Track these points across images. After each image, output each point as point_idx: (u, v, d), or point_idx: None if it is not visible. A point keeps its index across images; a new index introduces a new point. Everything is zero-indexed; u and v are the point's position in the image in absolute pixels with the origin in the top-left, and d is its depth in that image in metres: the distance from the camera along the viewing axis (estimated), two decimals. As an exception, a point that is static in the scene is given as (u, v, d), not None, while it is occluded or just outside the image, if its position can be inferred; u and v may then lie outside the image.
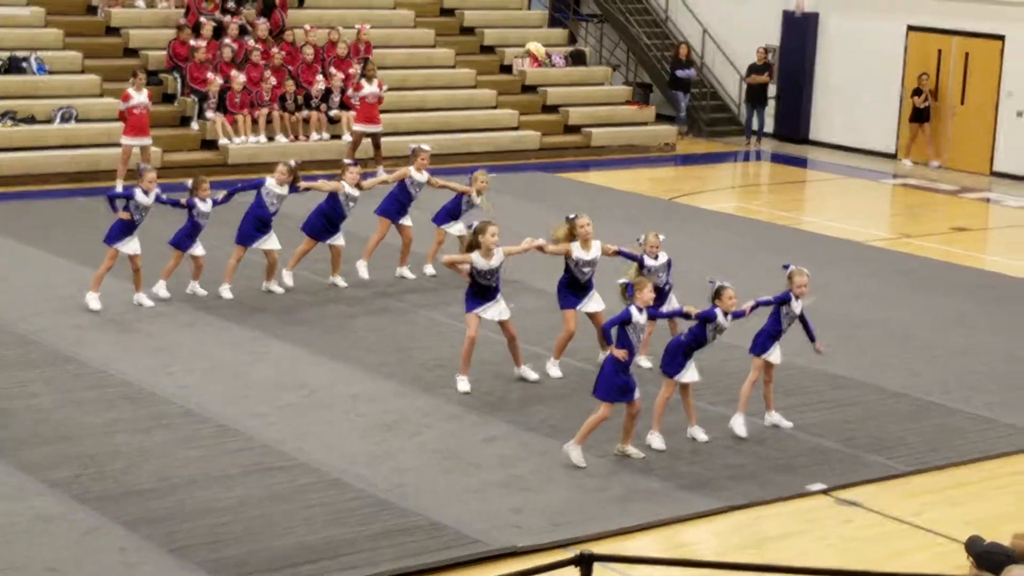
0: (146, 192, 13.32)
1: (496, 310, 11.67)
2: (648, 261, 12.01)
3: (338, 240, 14.44)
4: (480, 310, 11.62)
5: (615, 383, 10.12)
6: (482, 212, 14.58)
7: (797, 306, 11.11)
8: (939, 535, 9.50)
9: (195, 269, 13.96)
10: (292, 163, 14.26)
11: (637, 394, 10.22)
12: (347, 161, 14.63)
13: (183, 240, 13.78)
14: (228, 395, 11.46)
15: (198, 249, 13.84)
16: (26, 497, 9.33)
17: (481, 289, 11.61)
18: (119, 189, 18.34)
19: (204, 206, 13.73)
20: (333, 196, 14.27)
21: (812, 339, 11.29)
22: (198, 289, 14.03)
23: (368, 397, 11.56)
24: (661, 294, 11.71)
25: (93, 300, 13.43)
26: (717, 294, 10.68)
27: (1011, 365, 13.21)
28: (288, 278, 14.37)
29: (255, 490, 9.58)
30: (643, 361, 12.18)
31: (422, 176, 14.80)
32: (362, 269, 14.82)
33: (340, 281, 14.60)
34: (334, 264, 14.60)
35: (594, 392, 10.27)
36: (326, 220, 14.30)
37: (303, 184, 14.26)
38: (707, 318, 10.62)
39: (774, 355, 11.11)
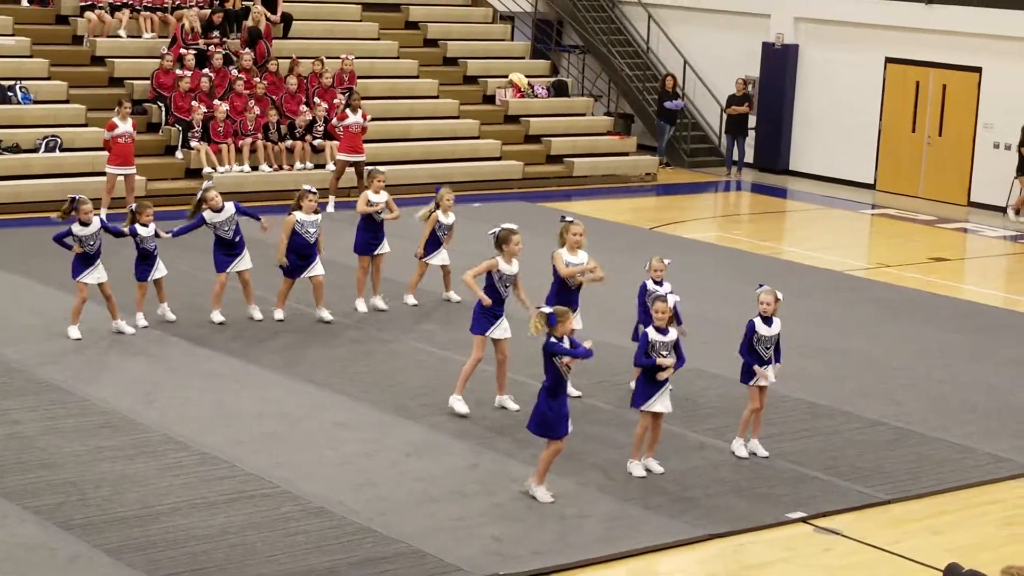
0: (85, 223, 13.36)
1: (501, 329, 11.76)
2: (651, 286, 12.13)
3: (316, 270, 14.24)
4: (490, 331, 11.71)
5: (562, 415, 10.00)
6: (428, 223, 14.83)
7: (768, 328, 11.06)
8: (918, 563, 9.55)
9: (158, 293, 13.99)
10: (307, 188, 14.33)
11: (569, 427, 10.12)
12: (305, 187, 14.31)
13: (139, 269, 13.88)
14: (211, 423, 11.47)
15: (158, 272, 13.89)
16: (9, 525, 9.34)
17: (493, 304, 11.64)
18: (104, 217, 18.43)
19: (145, 231, 13.78)
20: (295, 231, 14.01)
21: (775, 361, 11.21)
22: (168, 314, 14.04)
23: (351, 425, 11.59)
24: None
25: (73, 331, 13.51)
26: (651, 305, 10.70)
27: (989, 394, 13.31)
28: (279, 313, 14.34)
29: (237, 518, 9.60)
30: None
31: (380, 196, 14.81)
32: (360, 305, 14.86)
33: (326, 314, 14.42)
34: (317, 296, 14.44)
35: (539, 432, 10.06)
36: (295, 256, 14.11)
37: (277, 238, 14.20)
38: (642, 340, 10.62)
39: (763, 380, 11.16)
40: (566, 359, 9.92)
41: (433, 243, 14.99)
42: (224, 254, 14.14)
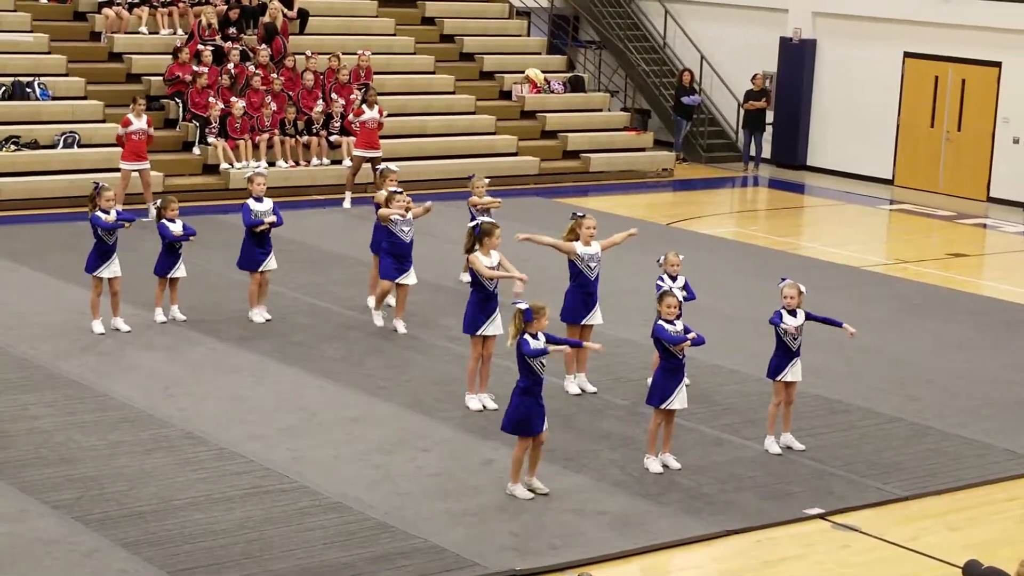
0: (106, 211, 13.36)
1: (493, 327, 11.75)
2: (667, 281, 12.14)
3: (409, 279, 13.73)
4: (480, 330, 11.71)
5: (537, 413, 9.91)
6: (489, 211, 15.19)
7: (793, 320, 11.12)
8: (937, 560, 9.52)
9: (171, 293, 13.98)
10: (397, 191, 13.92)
11: (544, 425, 10.03)
12: (391, 189, 13.99)
13: (160, 266, 13.88)
14: (228, 418, 11.50)
15: (178, 272, 13.87)
16: (28, 519, 9.38)
17: (483, 300, 11.66)
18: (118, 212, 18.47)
19: (173, 227, 13.78)
20: (388, 231, 13.67)
21: (838, 324, 11.30)
22: (177, 314, 13.99)
23: (367, 420, 11.60)
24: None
25: (97, 325, 13.54)
26: (659, 300, 10.63)
27: (1008, 390, 13.25)
28: (377, 318, 14.11)
29: (255, 513, 9.62)
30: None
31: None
32: (372, 302, 14.82)
33: (401, 327, 14.00)
34: (399, 305, 14.00)
35: (514, 431, 9.99)
36: (393, 258, 13.71)
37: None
38: (658, 336, 10.56)
39: (790, 375, 11.17)
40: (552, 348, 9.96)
41: None
42: (260, 252, 14.00)
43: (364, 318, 14.52)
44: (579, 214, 12.33)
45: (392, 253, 13.70)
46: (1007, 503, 10.66)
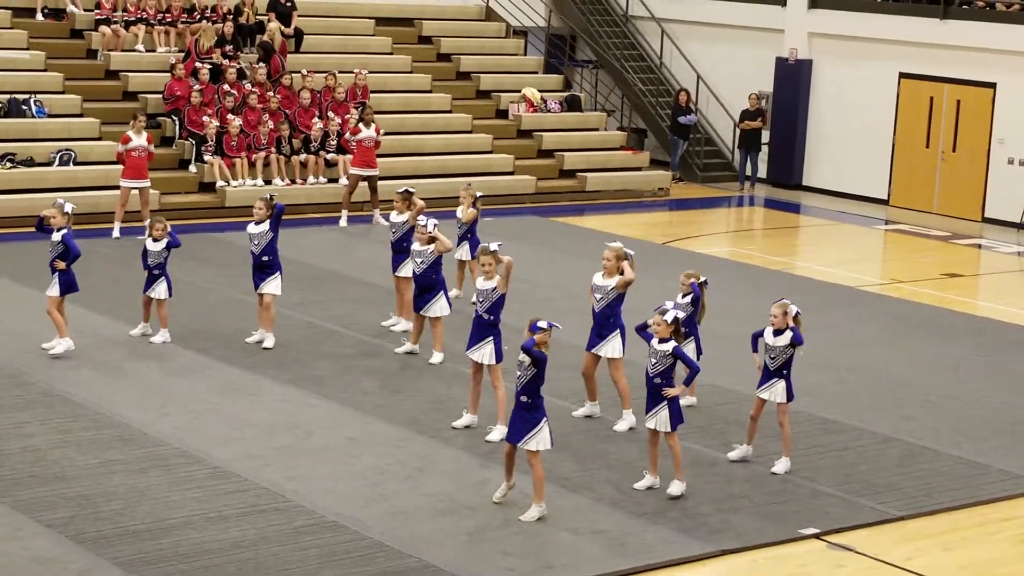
0: (58, 230, 13.21)
1: (478, 353, 11.62)
2: (679, 301, 12.15)
3: (429, 311, 13.41)
4: (470, 351, 11.70)
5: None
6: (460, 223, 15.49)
7: (774, 339, 11.10)
8: (931, 580, 9.55)
9: (144, 311, 13.84)
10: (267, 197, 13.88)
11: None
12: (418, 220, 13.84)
13: (146, 284, 13.82)
14: (223, 437, 11.49)
15: (156, 291, 13.71)
16: (21, 538, 9.36)
17: (475, 320, 11.66)
18: (116, 231, 18.50)
19: (152, 246, 13.66)
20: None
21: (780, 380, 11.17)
22: (141, 330, 13.83)
23: (364, 439, 11.59)
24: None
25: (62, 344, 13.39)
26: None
27: (1003, 410, 13.26)
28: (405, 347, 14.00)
29: (250, 532, 9.60)
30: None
31: (401, 218, 14.52)
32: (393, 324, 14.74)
33: (404, 348, 13.90)
34: (416, 332, 13.86)
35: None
36: (417, 289, 13.52)
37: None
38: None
39: (765, 393, 11.17)
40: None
41: (459, 239, 15.59)
42: (253, 273, 13.77)
43: (361, 337, 14.52)
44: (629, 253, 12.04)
45: (418, 287, 13.50)
46: (1002, 523, 10.66)
